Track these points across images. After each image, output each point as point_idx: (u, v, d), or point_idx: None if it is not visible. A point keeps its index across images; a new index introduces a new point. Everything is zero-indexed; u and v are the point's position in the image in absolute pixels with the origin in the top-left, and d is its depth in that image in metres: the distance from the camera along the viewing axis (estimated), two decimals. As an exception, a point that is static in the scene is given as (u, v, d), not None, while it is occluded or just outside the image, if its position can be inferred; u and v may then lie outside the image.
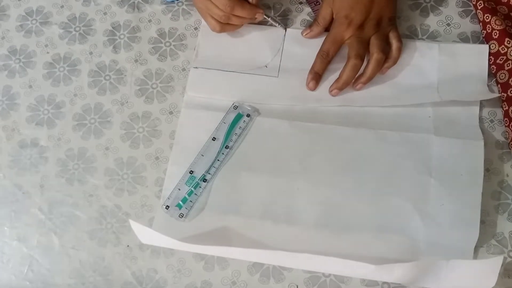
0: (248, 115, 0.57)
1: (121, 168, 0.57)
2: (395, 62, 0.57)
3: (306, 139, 0.55)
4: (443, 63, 0.57)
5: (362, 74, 0.56)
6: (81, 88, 0.61)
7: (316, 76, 0.57)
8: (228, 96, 0.58)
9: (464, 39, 0.59)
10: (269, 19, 0.59)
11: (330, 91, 0.57)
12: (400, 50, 0.56)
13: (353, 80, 0.56)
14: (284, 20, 0.62)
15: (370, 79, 0.56)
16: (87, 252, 0.55)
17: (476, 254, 0.50)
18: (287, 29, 0.61)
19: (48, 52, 0.64)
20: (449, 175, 0.52)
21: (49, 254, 0.55)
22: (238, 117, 0.57)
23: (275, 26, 0.60)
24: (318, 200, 0.53)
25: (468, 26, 0.59)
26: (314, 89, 0.57)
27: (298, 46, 0.60)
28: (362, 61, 0.55)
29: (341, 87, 0.56)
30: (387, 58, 0.56)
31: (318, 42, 0.58)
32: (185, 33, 0.62)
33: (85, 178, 0.57)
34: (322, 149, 0.55)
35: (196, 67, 0.60)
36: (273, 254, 0.49)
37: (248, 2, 0.57)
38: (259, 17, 0.58)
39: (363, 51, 0.55)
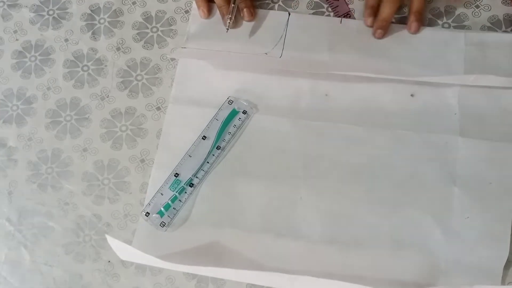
0: (244, 112, 0.55)
1: (101, 173, 0.55)
2: None
3: (311, 140, 0.53)
4: (470, 54, 0.55)
5: (410, 12, 0.56)
6: (55, 81, 0.60)
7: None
8: (222, 89, 0.56)
9: (495, 23, 0.56)
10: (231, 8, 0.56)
11: (374, 33, 0.56)
12: None
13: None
14: (289, 2, 0.59)
15: (420, 13, 0.55)
16: (62, 268, 0.53)
17: (507, 274, 0.48)
18: (291, 14, 0.59)
19: (17, 39, 0.62)
20: (476, 184, 0.50)
21: (18, 271, 0.54)
22: (233, 113, 0.55)
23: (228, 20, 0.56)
24: (324, 211, 0.51)
25: (500, 8, 0.57)
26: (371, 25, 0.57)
27: (303, 32, 0.57)
28: None
29: (381, 25, 0.56)
30: None
31: (325, 27, 0.57)
32: (174, 17, 0.60)
33: (60, 183, 0.56)
34: (330, 152, 0.53)
35: (185, 55, 0.58)
36: (270, 276, 0.47)
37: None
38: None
39: None
